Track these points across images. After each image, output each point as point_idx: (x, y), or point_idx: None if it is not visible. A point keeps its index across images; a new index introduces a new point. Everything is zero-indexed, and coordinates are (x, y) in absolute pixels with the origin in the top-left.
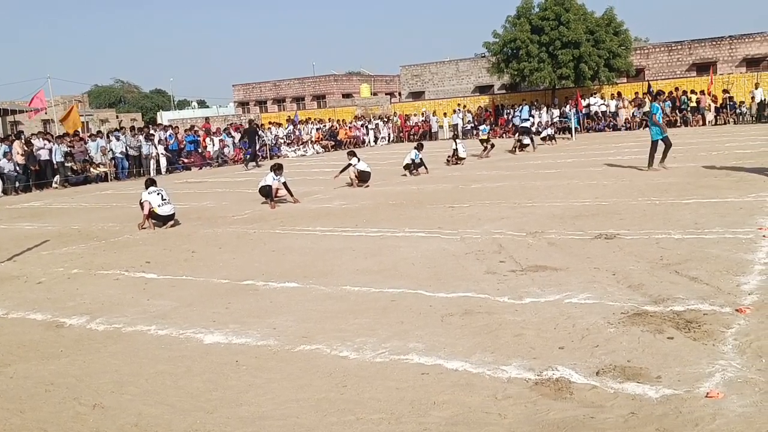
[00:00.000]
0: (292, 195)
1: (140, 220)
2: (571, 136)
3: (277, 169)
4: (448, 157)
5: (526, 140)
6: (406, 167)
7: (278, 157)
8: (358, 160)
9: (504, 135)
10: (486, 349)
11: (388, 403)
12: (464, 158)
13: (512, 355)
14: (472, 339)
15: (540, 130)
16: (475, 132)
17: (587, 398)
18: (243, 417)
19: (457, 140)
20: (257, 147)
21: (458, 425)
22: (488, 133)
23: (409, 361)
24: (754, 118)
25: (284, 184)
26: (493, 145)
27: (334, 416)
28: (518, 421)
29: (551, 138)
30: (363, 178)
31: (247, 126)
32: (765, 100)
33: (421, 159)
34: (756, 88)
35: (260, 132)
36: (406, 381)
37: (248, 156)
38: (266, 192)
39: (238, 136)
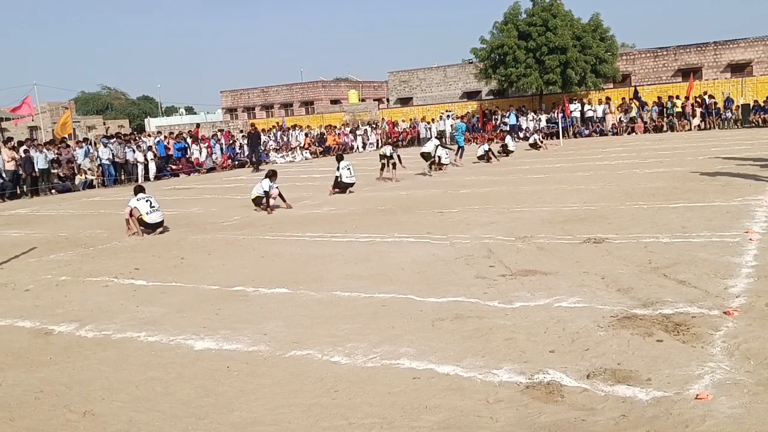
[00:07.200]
0: (284, 201)
1: (129, 227)
2: (560, 141)
3: (273, 175)
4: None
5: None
6: (382, 157)
7: (266, 163)
8: (345, 167)
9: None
10: (477, 353)
11: (380, 407)
12: (446, 164)
13: (503, 359)
14: (463, 343)
15: (528, 135)
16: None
17: (578, 401)
18: (234, 423)
19: (439, 147)
20: (260, 151)
21: (450, 429)
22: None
23: (400, 365)
24: (739, 123)
25: (276, 189)
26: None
27: (326, 421)
28: (510, 425)
29: (536, 145)
30: (341, 187)
31: (251, 130)
32: (749, 104)
33: (396, 155)
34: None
35: (263, 136)
36: (398, 385)
37: (262, 159)
38: (262, 199)
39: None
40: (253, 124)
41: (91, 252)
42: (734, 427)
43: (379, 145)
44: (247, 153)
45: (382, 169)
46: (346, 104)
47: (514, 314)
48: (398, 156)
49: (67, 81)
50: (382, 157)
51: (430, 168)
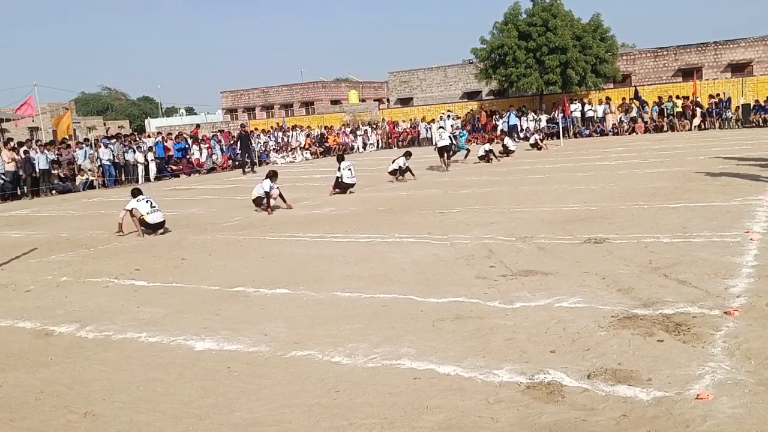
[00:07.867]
0: (285, 201)
1: (129, 228)
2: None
3: (273, 176)
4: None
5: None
6: (393, 173)
7: (267, 164)
8: (346, 168)
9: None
10: (477, 354)
11: (381, 408)
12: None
13: (504, 359)
14: (464, 343)
15: (528, 135)
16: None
17: (579, 401)
18: (235, 423)
19: (451, 136)
20: (249, 152)
21: (451, 429)
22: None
23: (401, 366)
24: (739, 123)
25: (277, 189)
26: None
27: (326, 422)
28: (510, 425)
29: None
30: (341, 187)
31: (239, 131)
32: (750, 104)
33: (408, 167)
34: (719, 95)
35: (262, 137)
36: (399, 386)
37: (249, 161)
38: (262, 199)
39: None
40: (243, 125)
41: (92, 253)
42: (735, 427)
43: (380, 145)
44: (239, 155)
45: (394, 174)
46: (347, 105)
47: (514, 314)
48: (410, 169)
49: (67, 82)
50: (399, 171)
51: (451, 156)
